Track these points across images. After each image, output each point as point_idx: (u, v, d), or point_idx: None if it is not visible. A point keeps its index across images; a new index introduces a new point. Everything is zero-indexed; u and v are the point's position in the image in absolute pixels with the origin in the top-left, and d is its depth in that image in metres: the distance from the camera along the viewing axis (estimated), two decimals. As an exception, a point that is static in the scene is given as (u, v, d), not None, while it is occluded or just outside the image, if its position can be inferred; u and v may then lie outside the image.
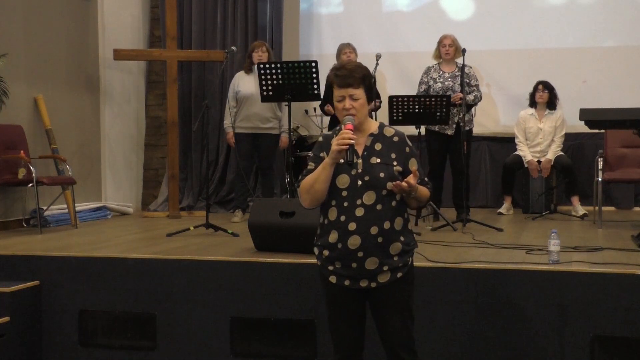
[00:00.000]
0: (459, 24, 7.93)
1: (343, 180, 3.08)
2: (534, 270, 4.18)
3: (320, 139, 3.23)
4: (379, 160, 3.09)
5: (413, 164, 3.14)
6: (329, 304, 3.23)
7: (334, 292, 3.18)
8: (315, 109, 7.80)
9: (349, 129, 3.01)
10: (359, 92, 3.08)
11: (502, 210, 7.36)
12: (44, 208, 6.68)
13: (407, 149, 3.16)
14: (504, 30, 7.92)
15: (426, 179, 3.21)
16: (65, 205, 6.92)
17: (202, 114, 6.31)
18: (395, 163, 3.11)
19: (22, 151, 6.42)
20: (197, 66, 8.11)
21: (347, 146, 2.97)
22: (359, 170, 3.08)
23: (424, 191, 3.14)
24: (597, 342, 4.04)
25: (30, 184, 6.25)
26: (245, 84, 6.97)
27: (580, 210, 7.04)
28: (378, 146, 3.13)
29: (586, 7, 7.79)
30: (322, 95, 6.38)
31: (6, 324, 4.60)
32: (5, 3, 6.57)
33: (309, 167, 3.18)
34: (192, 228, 5.96)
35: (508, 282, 4.18)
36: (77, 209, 6.88)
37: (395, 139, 3.16)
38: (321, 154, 3.15)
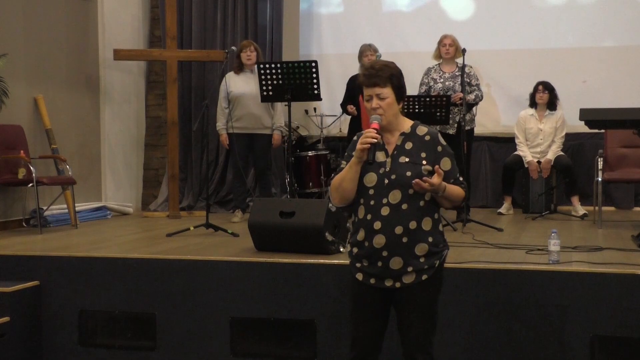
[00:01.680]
0: (459, 24, 7.93)
1: (370, 179, 3.08)
2: (534, 270, 4.18)
3: (355, 137, 3.21)
4: (407, 160, 3.08)
5: (445, 163, 3.10)
6: (353, 300, 3.22)
7: (359, 290, 3.17)
8: (315, 108, 7.80)
9: (374, 128, 3.01)
10: (386, 91, 3.07)
11: (502, 210, 7.36)
12: (44, 208, 6.68)
13: (440, 148, 3.13)
14: (504, 30, 7.92)
15: (461, 179, 3.17)
16: (65, 205, 6.91)
17: (202, 114, 6.31)
18: (424, 162, 3.08)
19: (22, 151, 6.42)
20: (197, 66, 8.11)
21: (370, 145, 2.97)
22: (387, 169, 3.07)
23: (455, 190, 3.10)
24: (597, 342, 4.04)
25: (30, 184, 6.25)
26: (237, 84, 6.93)
27: (580, 210, 7.04)
28: (409, 145, 3.12)
29: (586, 7, 7.79)
30: (321, 96, 6.38)
31: (6, 324, 4.59)
32: (5, 3, 6.57)
33: (341, 165, 3.19)
34: (192, 228, 5.96)
35: (508, 282, 4.18)
36: (77, 209, 6.88)
37: (427, 137, 3.13)
38: (352, 153, 3.13)
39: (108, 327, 4.80)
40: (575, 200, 7.15)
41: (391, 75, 3.09)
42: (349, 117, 7.33)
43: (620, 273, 4.08)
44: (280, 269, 4.53)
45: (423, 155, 3.10)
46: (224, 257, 4.75)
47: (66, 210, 6.92)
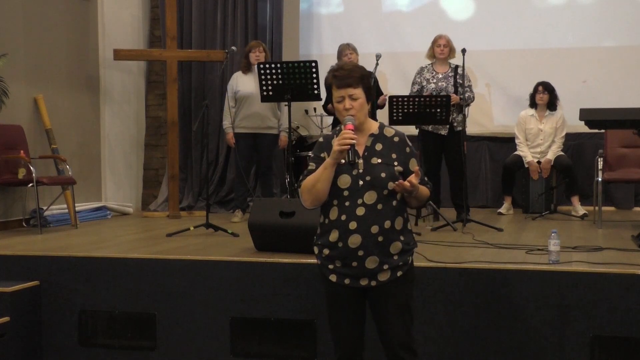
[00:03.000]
0: (459, 24, 7.94)
1: (344, 181, 3.09)
2: (534, 270, 4.18)
3: (321, 139, 3.24)
4: (380, 161, 3.11)
5: (414, 164, 3.16)
6: (330, 303, 3.23)
7: (334, 291, 3.19)
8: (315, 108, 7.81)
9: (349, 129, 3.01)
10: (358, 92, 3.10)
11: (502, 210, 7.36)
12: (44, 208, 6.68)
13: (408, 149, 3.18)
14: (504, 30, 7.92)
15: (426, 179, 3.23)
16: (65, 205, 6.92)
17: (202, 114, 6.31)
18: (396, 163, 3.13)
19: (22, 151, 6.42)
20: (197, 66, 8.11)
21: (349, 146, 2.98)
22: (360, 171, 3.09)
23: (424, 191, 3.17)
24: (597, 342, 4.04)
25: (30, 184, 6.25)
26: (244, 83, 6.96)
27: (580, 210, 7.04)
28: (379, 146, 3.15)
29: (586, 7, 7.79)
30: (322, 95, 6.37)
31: (6, 324, 4.59)
32: (5, 3, 6.57)
33: (309, 167, 3.18)
34: (192, 228, 5.96)
35: (508, 282, 4.18)
36: (77, 209, 6.88)
37: (396, 139, 3.18)
38: (322, 155, 3.16)
39: (108, 327, 4.80)
40: (575, 200, 7.15)
41: (362, 76, 3.12)
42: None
43: (620, 273, 4.08)
44: (280, 269, 4.53)
45: (394, 156, 3.14)
46: (224, 257, 4.75)
47: (66, 210, 6.92)
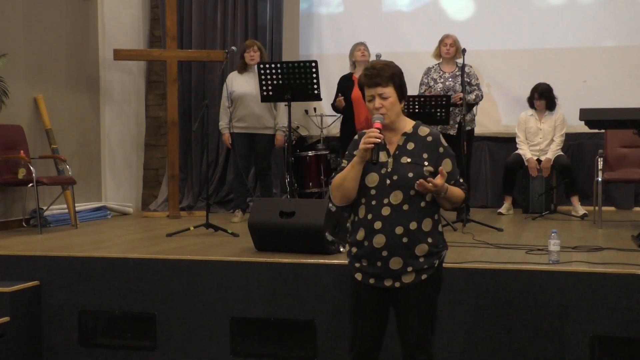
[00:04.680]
0: (459, 24, 7.93)
1: (372, 179, 3.07)
2: (534, 270, 4.18)
3: (356, 137, 3.20)
4: (409, 160, 3.07)
5: (447, 165, 3.09)
6: (353, 300, 3.21)
7: (358, 290, 3.17)
8: (315, 108, 7.80)
9: (376, 128, 3.00)
10: (388, 91, 3.06)
11: (502, 210, 7.36)
12: (44, 208, 6.68)
13: (441, 149, 3.12)
14: (504, 30, 7.92)
15: (461, 180, 3.17)
16: (65, 205, 6.91)
17: (202, 114, 6.31)
18: (426, 163, 3.07)
19: (22, 151, 6.42)
20: (197, 66, 8.11)
21: (373, 145, 2.97)
22: (389, 170, 3.07)
23: (456, 192, 3.09)
24: (597, 342, 4.04)
25: (30, 184, 6.25)
26: (240, 83, 6.94)
27: (580, 210, 7.04)
28: (410, 145, 3.11)
29: (586, 7, 7.79)
30: (322, 95, 6.38)
31: (6, 324, 4.60)
32: (5, 3, 6.57)
33: (342, 164, 3.17)
34: (192, 228, 5.96)
35: (508, 282, 4.18)
36: (77, 209, 6.88)
37: (429, 138, 3.12)
38: (354, 152, 3.12)
39: (108, 327, 4.80)
40: (575, 200, 7.15)
41: (393, 75, 3.08)
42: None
43: (620, 273, 4.08)
44: (280, 269, 4.53)
45: (425, 156, 3.09)
46: (224, 257, 4.75)
47: (66, 210, 6.92)
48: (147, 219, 7.51)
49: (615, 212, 7.47)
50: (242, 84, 6.92)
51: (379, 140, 2.98)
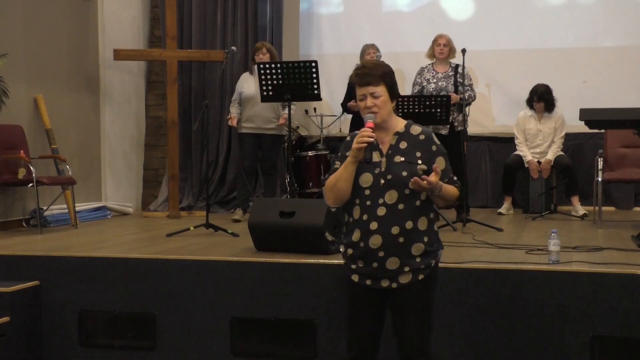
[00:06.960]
0: (459, 24, 7.93)
1: (366, 179, 3.07)
2: (534, 270, 4.18)
3: (348, 138, 3.21)
4: (402, 159, 3.07)
5: (440, 162, 3.09)
6: (350, 301, 3.21)
7: (355, 291, 3.17)
8: (315, 108, 7.80)
9: (369, 127, 3.00)
10: (380, 90, 3.07)
11: (502, 210, 7.36)
12: (44, 208, 6.68)
13: (434, 147, 3.12)
14: (504, 30, 7.92)
15: (455, 178, 3.17)
16: (65, 205, 6.91)
17: (202, 114, 6.32)
18: (419, 162, 3.07)
19: (22, 151, 6.42)
20: (197, 66, 8.11)
21: (366, 144, 2.97)
22: (382, 169, 3.07)
23: (450, 190, 3.09)
24: (597, 342, 4.04)
25: (30, 184, 6.25)
26: (249, 85, 7.03)
27: (580, 210, 7.03)
28: (403, 145, 3.11)
29: (586, 7, 7.79)
30: (321, 96, 6.38)
31: (6, 324, 4.59)
32: (5, 3, 6.57)
33: (335, 165, 3.17)
34: (192, 228, 5.96)
35: (508, 282, 4.18)
36: (77, 209, 6.88)
37: (422, 137, 3.13)
38: (347, 153, 3.12)
39: (108, 327, 4.80)
40: (575, 200, 7.15)
41: (384, 74, 3.09)
42: (349, 117, 7.34)
43: (620, 273, 4.08)
44: (280, 269, 4.52)
45: (418, 154, 3.09)
46: (224, 257, 4.75)
47: (66, 210, 6.92)
48: (147, 219, 7.51)
49: (615, 212, 7.47)
50: (252, 86, 6.99)
51: (372, 140, 2.98)
